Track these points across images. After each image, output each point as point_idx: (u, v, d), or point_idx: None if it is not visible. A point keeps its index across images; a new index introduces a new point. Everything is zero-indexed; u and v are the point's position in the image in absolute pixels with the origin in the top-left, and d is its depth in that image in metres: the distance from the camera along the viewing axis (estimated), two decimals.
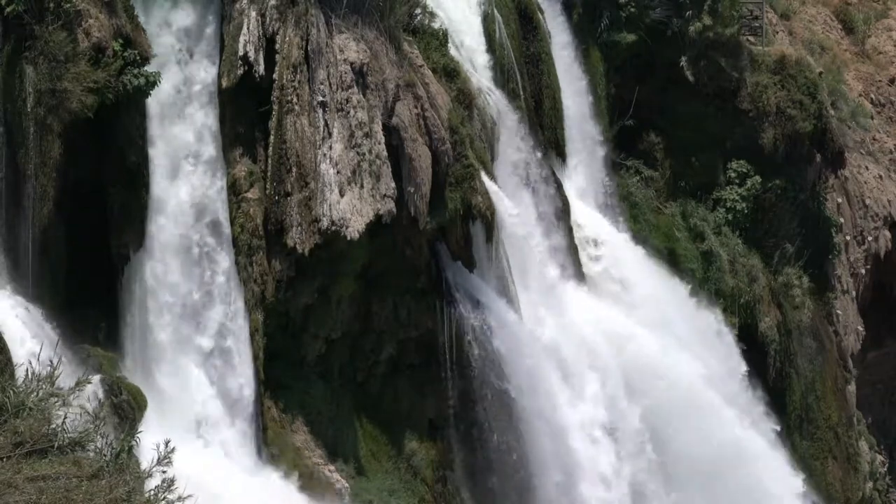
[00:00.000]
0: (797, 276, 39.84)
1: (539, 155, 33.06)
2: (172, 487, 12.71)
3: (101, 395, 22.65)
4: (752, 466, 34.25)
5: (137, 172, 24.50)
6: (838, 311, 42.22)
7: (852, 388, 42.69)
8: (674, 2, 37.66)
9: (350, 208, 26.40)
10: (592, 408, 31.22)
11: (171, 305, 25.37)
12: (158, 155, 25.26)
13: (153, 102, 24.80)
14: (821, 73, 41.34)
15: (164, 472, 12.78)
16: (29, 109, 23.00)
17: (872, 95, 47.55)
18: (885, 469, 44.97)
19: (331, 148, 26.52)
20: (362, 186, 26.67)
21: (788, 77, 39.94)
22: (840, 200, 42.86)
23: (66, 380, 13.96)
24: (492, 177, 30.69)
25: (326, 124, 26.61)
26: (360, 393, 28.61)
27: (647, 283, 35.27)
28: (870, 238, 44.37)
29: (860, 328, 43.70)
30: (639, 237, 36.55)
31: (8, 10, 22.89)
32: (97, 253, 24.51)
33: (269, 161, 26.33)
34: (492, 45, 32.75)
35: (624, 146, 38.11)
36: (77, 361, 23.13)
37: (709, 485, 33.08)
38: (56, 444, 12.78)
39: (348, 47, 27.16)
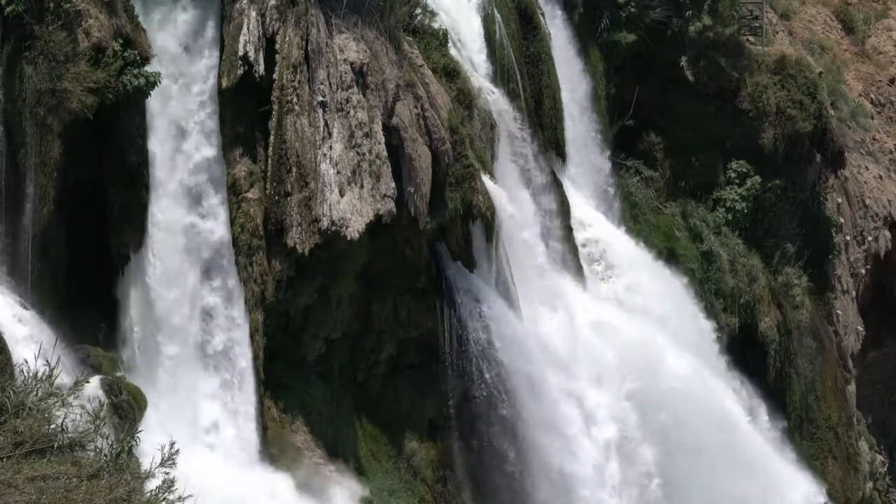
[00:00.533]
0: (797, 276, 39.86)
1: (539, 155, 33.05)
2: (172, 488, 12.71)
3: (101, 395, 22.64)
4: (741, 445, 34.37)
5: (137, 172, 24.48)
6: (838, 311, 42.24)
7: (852, 388, 42.71)
8: (674, 2, 37.66)
9: (350, 208, 26.40)
10: (592, 407, 31.21)
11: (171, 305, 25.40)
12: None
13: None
14: (821, 73, 41.35)
15: (167, 472, 12.78)
16: (29, 109, 22.99)
17: (872, 95, 47.57)
18: (885, 469, 45.00)
19: (331, 148, 26.52)
20: (362, 186, 26.67)
21: (788, 77, 39.95)
22: (840, 200, 42.88)
23: (65, 380, 13.96)
24: (492, 177, 30.69)
25: (326, 124, 26.61)
26: (360, 393, 28.61)
27: (647, 283, 35.27)
28: (870, 238, 44.38)
29: (860, 328, 43.72)
30: (639, 237, 36.56)
31: (8, 10, 22.87)
32: (97, 253, 24.50)
33: (269, 161, 26.32)
34: (492, 45, 32.74)
35: (624, 146, 38.13)
36: (77, 361, 23.13)
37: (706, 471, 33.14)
38: (56, 444, 12.77)
39: (348, 47, 27.16)
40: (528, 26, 34.32)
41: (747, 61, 39.48)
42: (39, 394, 13.29)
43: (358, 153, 26.71)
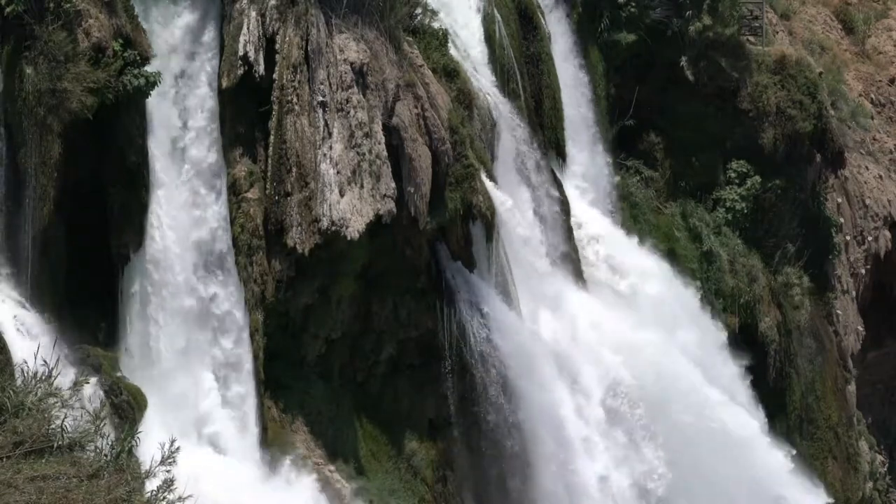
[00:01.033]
0: (797, 276, 39.85)
1: (539, 155, 33.05)
2: (172, 487, 12.70)
3: (101, 394, 22.65)
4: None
5: (137, 172, 24.48)
6: (838, 311, 42.24)
7: (852, 388, 42.71)
8: (674, 2, 37.65)
9: (350, 208, 26.40)
10: (592, 407, 31.21)
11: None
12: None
13: None
14: (821, 73, 41.34)
15: (168, 471, 12.77)
16: (29, 109, 22.99)
17: (872, 95, 47.56)
18: (885, 469, 45.00)
19: (331, 148, 26.52)
20: (362, 186, 26.67)
21: (788, 77, 39.94)
22: (840, 200, 42.87)
23: (65, 380, 13.97)
24: (492, 177, 30.68)
25: (326, 124, 26.61)
26: (360, 393, 28.61)
27: (647, 283, 35.27)
28: (870, 238, 44.38)
29: (860, 328, 43.71)
30: (639, 237, 36.56)
31: (8, 10, 22.88)
32: (97, 253, 24.50)
33: (269, 161, 26.32)
34: (492, 45, 32.75)
35: (624, 146, 38.12)
36: (77, 361, 23.14)
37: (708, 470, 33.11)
38: (55, 444, 12.77)
39: (348, 47, 27.16)
40: (528, 26, 34.33)
41: (747, 61, 39.46)
42: (39, 394, 13.29)
43: (358, 153, 26.71)
